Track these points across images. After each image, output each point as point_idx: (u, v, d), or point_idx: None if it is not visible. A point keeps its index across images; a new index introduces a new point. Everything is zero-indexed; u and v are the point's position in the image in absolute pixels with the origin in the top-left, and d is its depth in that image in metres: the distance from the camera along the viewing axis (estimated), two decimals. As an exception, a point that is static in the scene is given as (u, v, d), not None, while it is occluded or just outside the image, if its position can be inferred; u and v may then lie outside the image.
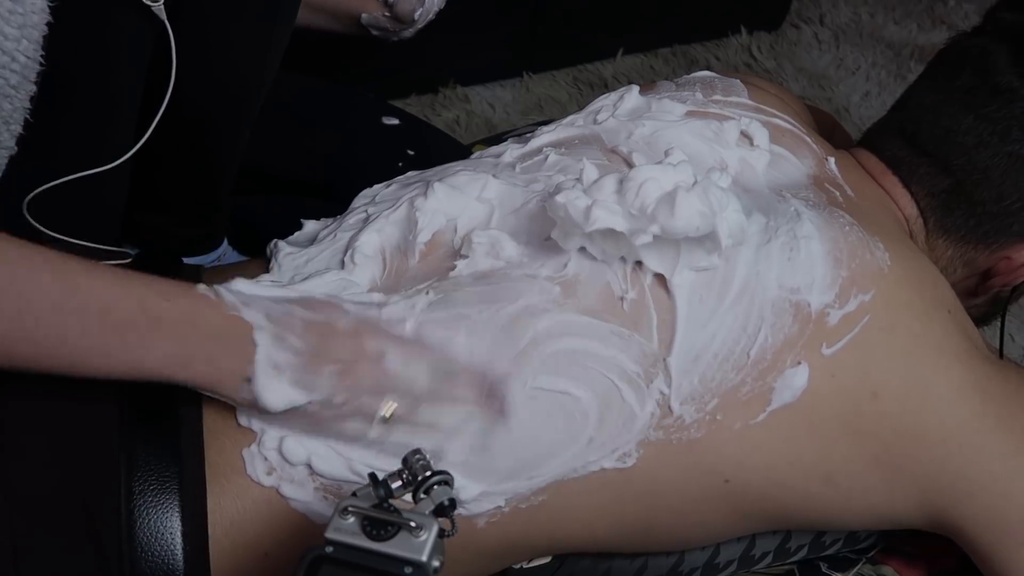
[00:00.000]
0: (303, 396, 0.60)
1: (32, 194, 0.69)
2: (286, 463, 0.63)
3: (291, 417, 0.61)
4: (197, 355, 0.58)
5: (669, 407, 0.65)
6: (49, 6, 0.59)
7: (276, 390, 0.59)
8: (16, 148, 0.63)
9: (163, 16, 0.68)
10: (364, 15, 0.92)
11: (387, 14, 0.92)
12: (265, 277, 0.69)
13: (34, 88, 0.61)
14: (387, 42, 0.96)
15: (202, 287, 0.60)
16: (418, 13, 0.92)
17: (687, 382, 0.64)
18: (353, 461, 0.63)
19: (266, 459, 0.63)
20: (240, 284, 0.62)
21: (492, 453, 0.64)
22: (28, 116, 0.62)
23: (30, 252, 0.54)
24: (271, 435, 0.63)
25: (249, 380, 0.59)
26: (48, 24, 0.60)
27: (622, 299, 0.66)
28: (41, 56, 0.60)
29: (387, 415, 0.62)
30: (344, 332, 0.63)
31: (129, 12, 0.68)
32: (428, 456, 0.55)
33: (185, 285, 0.59)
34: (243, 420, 0.64)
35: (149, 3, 0.67)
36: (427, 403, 0.63)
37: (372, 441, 0.63)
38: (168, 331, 0.57)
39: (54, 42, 0.61)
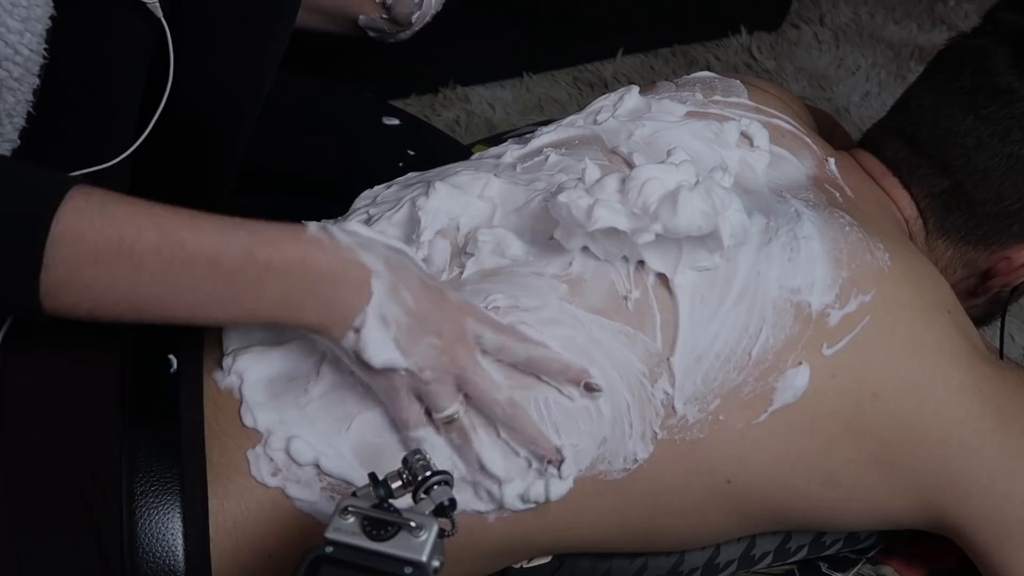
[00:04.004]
0: (402, 360, 0.59)
1: None
2: (293, 463, 0.63)
3: (379, 377, 0.60)
4: (307, 300, 0.58)
5: (673, 407, 0.65)
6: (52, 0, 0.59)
7: (382, 346, 0.58)
8: (19, 141, 0.63)
9: (159, 14, 0.68)
10: (361, 17, 0.92)
11: (384, 16, 0.92)
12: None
13: (37, 81, 0.61)
14: (384, 43, 0.96)
15: (314, 228, 0.59)
16: (415, 16, 0.92)
17: (690, 382, 0.65)
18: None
19: (272, 460, 0.63)
20: (355, 225, 0.62)
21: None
22: (31, 109, 0.63)
23: (136, 210, 0.55)
24: (278, 435, 0.63)
25: (357, 331, 0.58)
26: (51, 18, 0.60)
27: (626, 298, 0.66)
28: (44, 49, 0.60)
29: (454, 415, 0.62)
30: (452, 305, 0.62)
31: (128, 10, 0.68)
32: (428, 456, 0.55)
33: (295, 229, 0.59)
34: (248, 421, 0.63)
35: (146, 0, 0.67)
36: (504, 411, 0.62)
37: (411, 437, 0.62)
38: (277, 278, 0.57)
39: (57, 36, 0.61)
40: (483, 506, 0.64)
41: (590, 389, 0.63)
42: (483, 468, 0.63)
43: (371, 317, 0.58)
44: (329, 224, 0.60)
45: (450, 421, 0.62)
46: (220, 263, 0.56)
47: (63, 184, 0.53)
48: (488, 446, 0.63)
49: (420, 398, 0.62)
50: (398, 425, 0.63)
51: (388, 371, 0.60)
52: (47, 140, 0.66)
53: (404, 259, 0.61)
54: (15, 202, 0.53)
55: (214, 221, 0.57)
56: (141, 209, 0.55)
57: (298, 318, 0.58)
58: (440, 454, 0.63)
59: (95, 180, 0.72)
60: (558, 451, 0.63)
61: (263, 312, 0.57)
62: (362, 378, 0.62)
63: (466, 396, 0.62)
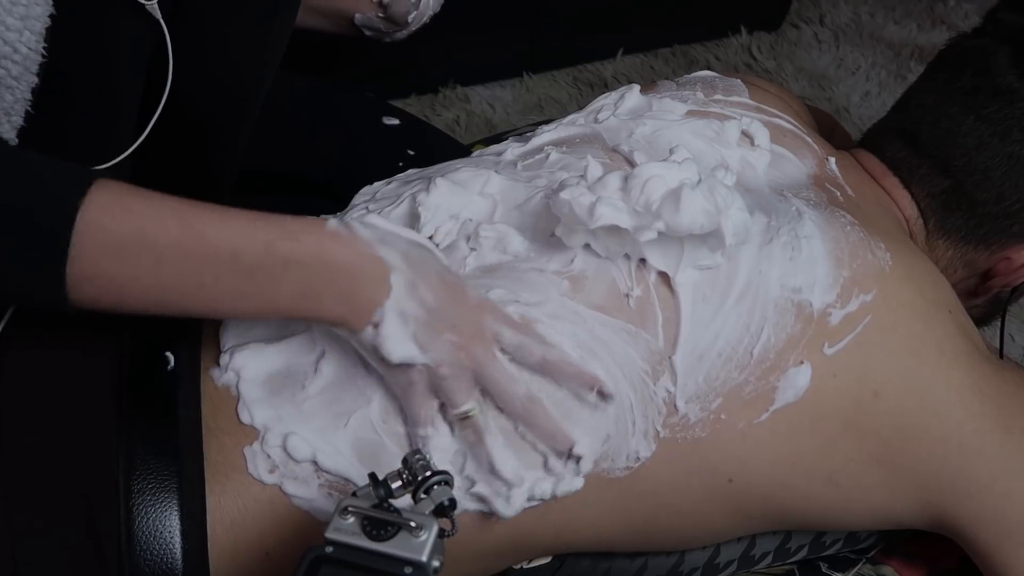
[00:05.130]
0: (420, 355, 0.59)
1: None
2: (290, 460, 0.63)
3: (397, 371, 0.60)
4: (326, 294, 0.58)
5: (675, 406, 0.65)
6: None
7: (401, 342, 0.59)
8: (17, 140, 0.63)
9: (158, 15, 0.68)
10: (357, 15, 0.92)
11: (381, 15, 0.92)
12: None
13: (36, 80, 0.61)
14: (380, 42, 0.96)
15: (333, 223, 0.59)
16: (411, 16, 0.92)
17: (692, 381, 0.65)
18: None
19: (269, 457, 0.63)
20: (375, 219, 0.62)
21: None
22: (29, 108, 0.62)
23: (156, 204, 0.55)
24: (275, 432, 0.63)
25: (376, 326, 0.58)
26: (51, 16, 0.60)
27: (627, 296, 0.66)
28: (43, 48, 0.60)
29: (470, 412, 0.61)
30: (471, 302, 0.62)
31: (126, 10, 0.67)
32: (428, 456, 0.55)
33: (315, 223, 0.59)
34: (245, 418, 0.63)
35: (143, 1, 0.67)
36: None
37: (420, 435, 0.62)
38: (296, 272, 0.57)
39: (56, 35, 0.61)
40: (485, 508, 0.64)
41: (603, 396, 0.63)
42: (493, 469, 0.62)
43: (390, 312, 0.58)
44: (350, 217, 0.61)
45: (465, 418, 0.62)
46: (240, 256, 0.56)
47: (86, 177, 0.54)
48: (501, 446, 0.62)
49: (436, 394, 0.62)
50: (410, 420, 0.63)
51: (406, 366, 0.60)
52: (46, 140, 0.65)
53: (424, 253, 0.61)
54: (39, 195, 0.53)
55: (234, 214, 0.57)
56: (162, 202, 0.56)
57: (317, 312, 0.59)
58: (441, 457, 0.62)
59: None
60: (570, 440, 0.63)
61: (283, 305, 0.58)
62: (378, 371, 0.62)
63: (483, 392, 0.62)
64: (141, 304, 0.56)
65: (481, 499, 0.63)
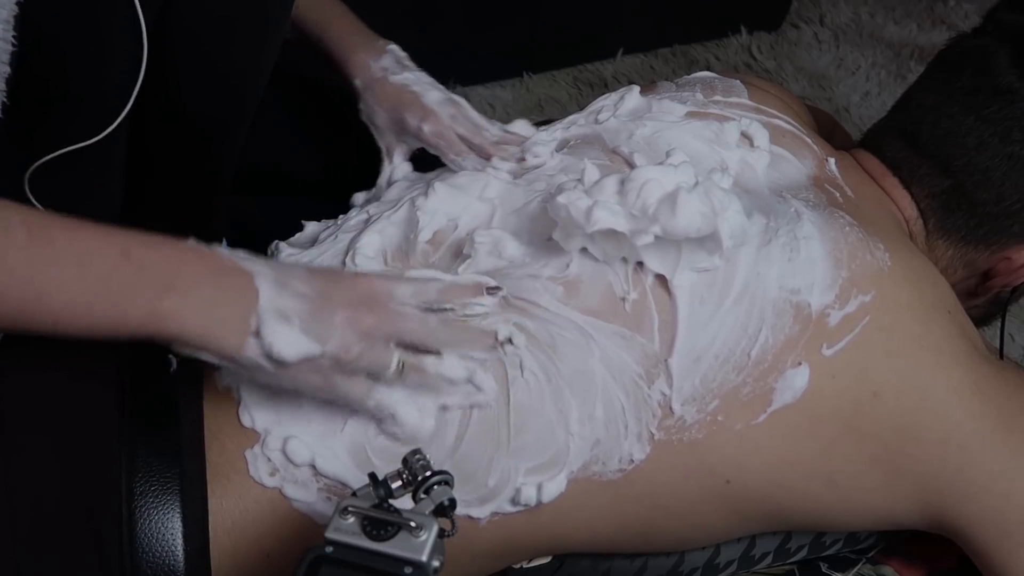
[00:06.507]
0: (316, 346, 0.57)
1: (29, 170, 0.67)
2: (290, 464, 0.63)
3: (303, 375, 0.57)
4: (190, 304, 0.54)
5: (670, 408, 0.65)
6: None
7: (288, 337, 0.55)
8: None
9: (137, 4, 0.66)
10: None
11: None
12: None
13: (7, 70, 0.59)
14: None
15: (193, 240, 0.57)
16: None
17: (688, 383, 0.65)
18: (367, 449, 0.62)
19: (269, 460, 0.63)
20: (240, 251, 0.59)
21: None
22: (5, 99, 0.61)
23: (4, 210, 0.52)
24: (275, 435, 0.63)
25: (257, 333, 0.55)
26: (18, 3, 0.58)
27: (624, 300, 0.66)
28: (13, 37, 0.58)
29: (400, 367, 0.60)
30: (349, 275, 0.61)
31: None
32: (428, 456, 0.55)
33: (173, 238, 0.56)
34: (246, 420, 0.63)
35: None
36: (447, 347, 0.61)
37: (374, 407, 0.61)
38: (154, 277, 0.53)
39: (26, 23, 0.59)
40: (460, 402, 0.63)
41: (492, 291, 0.63)
42: (452, 382, 0.62)
43: (266, 313, 0.55)
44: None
45: (401, 371, 0.60)
46: (91, 260, 0.52)
47: None
48: (444, 363, 0.61)
49: (355, 372, 0.60)
50: (352, 407, 0.62)
51: (306, 361, 0.57)
52: (24, 131, 0.64)
53: (285, 263, 0.59)
54: None
55: (90, 224, 0.54)
56: (12, 210, 0.52)
57: (179, 327, 0.54)
58: (406, 406, 0.62)
59: (85, 184, 0.71)
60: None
61: (137, 318, 0.53)
62: (284, 385, 0.59)
63: (400, 345, 0.60)
64: None
65: (461, 407, 0.63)
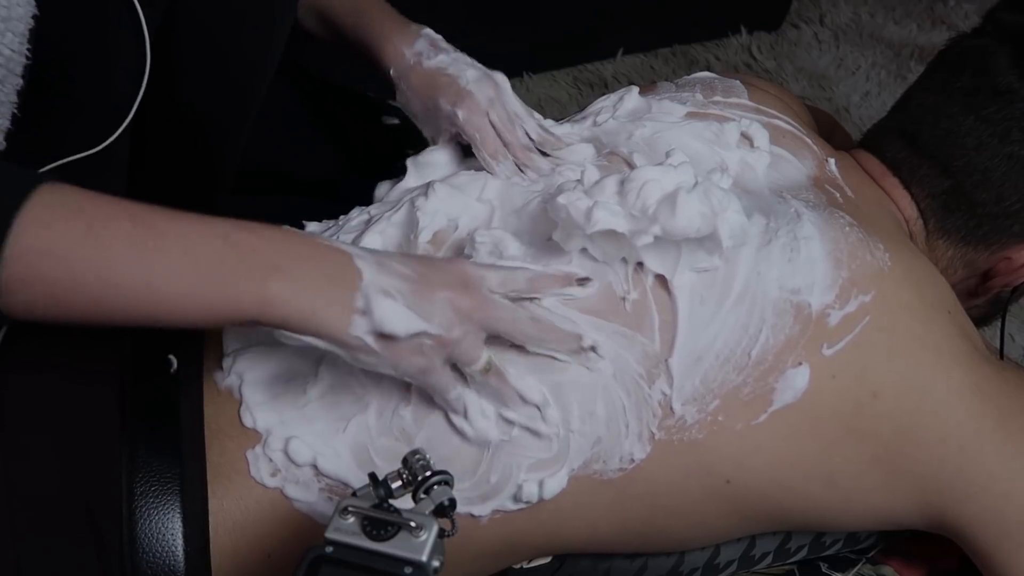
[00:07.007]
0: (423, 323, 0.56)
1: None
2: (291, 464, 0.63)
3: (406, 355, 0.57)
4: (297, 286, 0.54)
5: (671, 408, 0.65)
6: None
7: (398, 313, 0.55)
8: (5, 144, 0.62)
9: (141, 14, 0.66)
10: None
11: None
12: None
13: (20, 82, 0.60)
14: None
15: (286, 227, 0.57)
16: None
17: (689, 383, 0.65)
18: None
19: (271, 460, 0.63)
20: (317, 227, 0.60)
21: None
22: (15, 111, 0.61)
23: (105, 201, 0.52)
24: (277, 436, 0.63)
25: (363, 312, 0.55)
26: (34, 17, 0.59)
27: (624, 300, 0.66)
28: (27, 50, 0.59)
29: (488, 364, 0.60)
30: (443, 260, 0.61)
31: (114, 10, 0.66)
32: (428, 456, 0.55)
33: (267, 224, 0.56)
34: (247, 421, 0.64)
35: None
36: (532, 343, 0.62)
37: (455, 399, 0.61)
38: (261, 261, 0.54)
39: (40, 36, 0.59)
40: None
41: (582, 283, 0.64)
42: (524, 400, 0.62)
43: (372, 291, 0.56)
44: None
45: (487, 369, 0.60)
46: (195, 248, 0.53)
47: (31, 180, 0.51)
48: (522, 377, 0.63)
49: (447, 361, 0.60)
50: (434, 395, 0.62)
51: (412, 339, 0.57)
52: (34, 142, 0.65)
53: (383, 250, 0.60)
54: None
55: (187, 212, 0.54)
56: (113, 202, 0.53)
57: (288, 309, 0.54)
58: (475, 407, 0.62)
59: (83, 172, 0.71)
60: (581, 337, 0.63)
61: (247, 303, 0.53)
62: (382, 369, 0.58)
63: (491, 336, 0.61)
64: (79, 307, 0.52)
65: (521, 426, 0.63)
